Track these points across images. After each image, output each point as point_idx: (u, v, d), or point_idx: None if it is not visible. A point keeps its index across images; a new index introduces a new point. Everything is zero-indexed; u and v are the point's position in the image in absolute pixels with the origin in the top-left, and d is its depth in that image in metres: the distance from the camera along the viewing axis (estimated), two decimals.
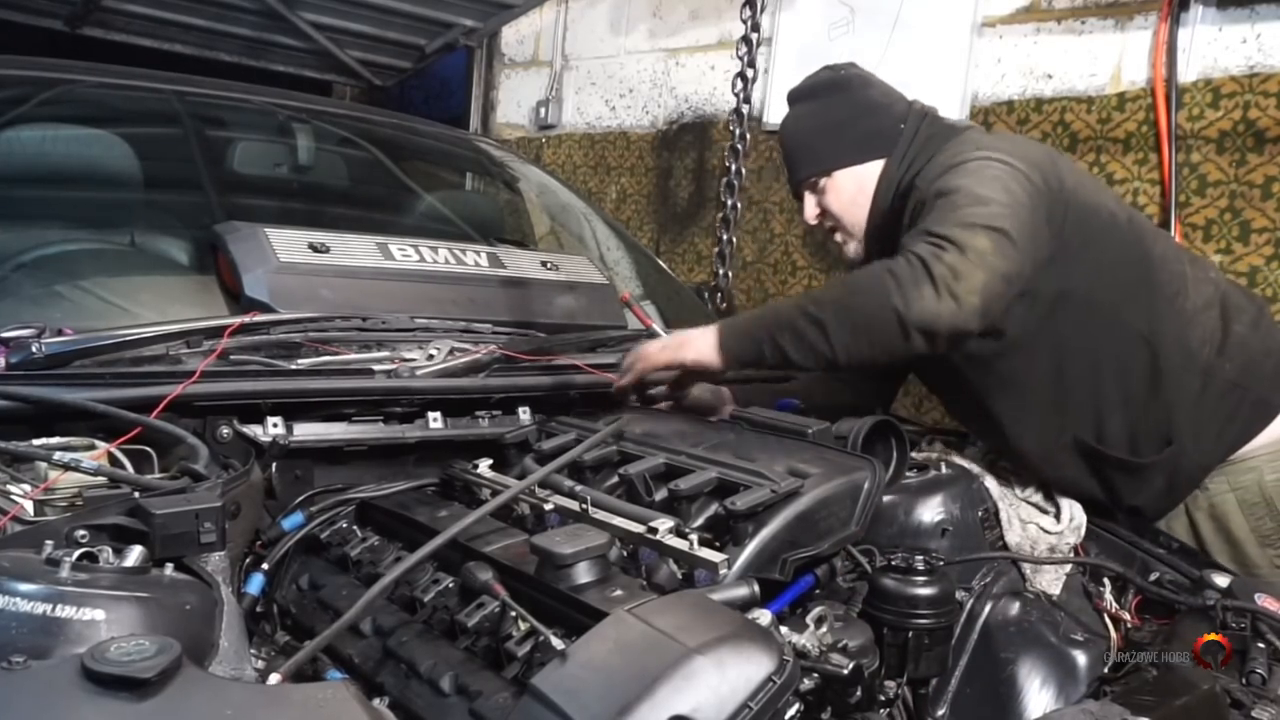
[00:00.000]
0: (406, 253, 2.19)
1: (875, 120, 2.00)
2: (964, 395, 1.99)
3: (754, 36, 1.74)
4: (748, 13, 1.72)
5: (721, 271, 1.73)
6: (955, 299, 1.60)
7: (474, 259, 2.30)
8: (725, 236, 1.73)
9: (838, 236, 2.11)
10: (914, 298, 1.60)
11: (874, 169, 2.00)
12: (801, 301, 1.75)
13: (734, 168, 1.71)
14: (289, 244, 2.03)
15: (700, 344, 1.82)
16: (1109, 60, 3.21)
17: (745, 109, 1.72)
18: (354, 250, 2.12)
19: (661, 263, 3.38)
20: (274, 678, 1.11)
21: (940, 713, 1.52)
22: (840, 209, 2.04)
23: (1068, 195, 1.81)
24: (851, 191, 2.01)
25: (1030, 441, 1.91)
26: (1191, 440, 1.89)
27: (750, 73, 1.72)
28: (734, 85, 1.71)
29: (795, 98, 2.11)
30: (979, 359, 1.87)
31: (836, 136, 2.01)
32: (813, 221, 2.10)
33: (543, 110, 4.98)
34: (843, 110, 2.02)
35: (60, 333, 1.66)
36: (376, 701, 1.25)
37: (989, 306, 1.63)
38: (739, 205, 1.80)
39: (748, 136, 1.78)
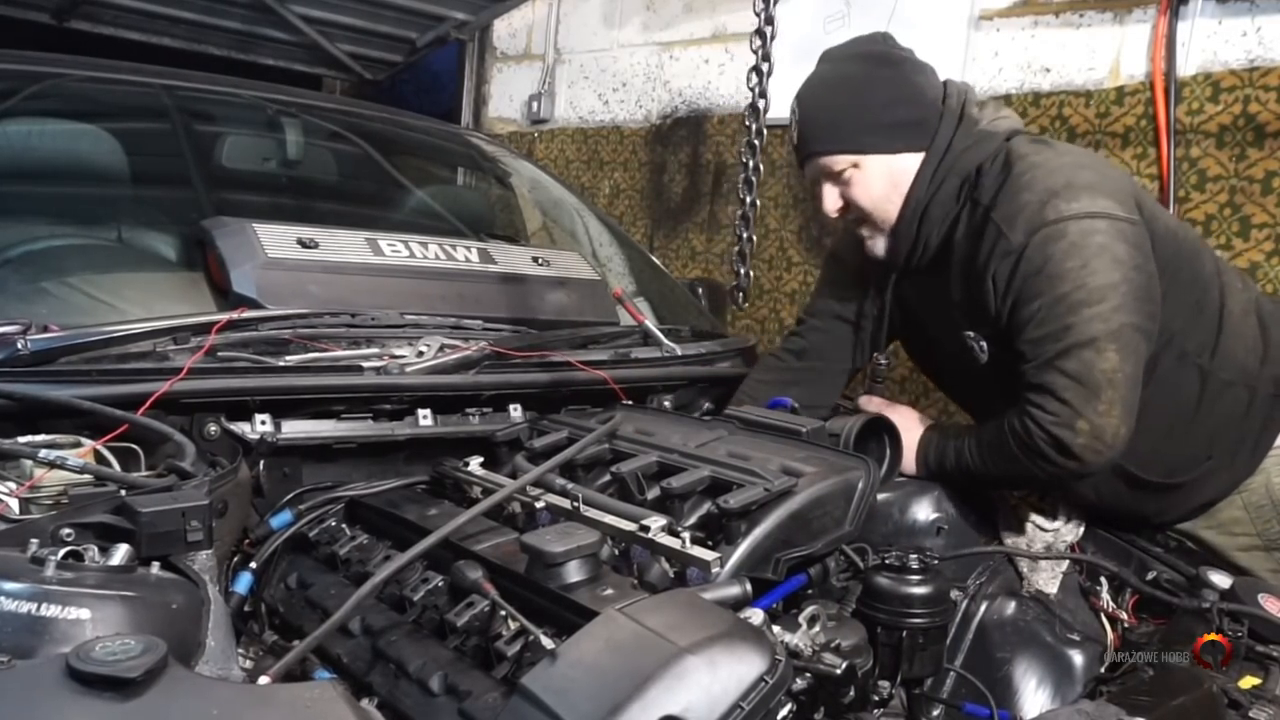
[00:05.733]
0: (396, 248, 2.17)
1: (917, 109, 1.83)
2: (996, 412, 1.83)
3: (768, 30, 1.70)
4: (760, 4, 1.68)
5: (743, 271, 1.68)
6: (1107, 448, 1.65)
7: (464, 255, 2.29)
8: (745, 235, 1.67)
9: (864, 230, 1.94)
10: (1069, 467, 1.67)
11: (910, 162, 1.84)
12: (977, 455, 1.77)
13: (751, 163, 1.66)
14: (277, 239, 2.02)
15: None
16: (1107, 54, 3.20)
17: (761, 104, 1.67)
18: (343, 246, 2.11)
19: (655, 259, 3.37)
20: (263, 680, 1.10)
21: (935, 713, 1.51)
22: (872, 203, 1.87)
23: (1147, 223, 1.74)
24: (884, 185, 1.85)
25: None
26: (1229, 455, 1.86)
27: (765, 66, 1.66)
28: (749, 80, 1.66)
29: (831, 59, 1.90)
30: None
31: (876, 117, 1.82)
32: (833, 214, 1.92)
33: (535, 104, 4.96)
34: (887, 89, 1.83)
35: (46, 329, 1.65)
36: (365, 701, 1.25)
37: (1131, 416, 1.66)
38: (758, 202, 1.73)
39: (765, 132, 1.71)
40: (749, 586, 1.32)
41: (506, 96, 5.21)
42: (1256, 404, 1.84)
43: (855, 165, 1.85)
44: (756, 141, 1.71)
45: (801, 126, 1.84)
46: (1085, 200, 1.67)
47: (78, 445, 1.42)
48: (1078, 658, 1.64)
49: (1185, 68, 3.03)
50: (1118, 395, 1.63)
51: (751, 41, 1.78)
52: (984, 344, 1.79)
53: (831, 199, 1.90)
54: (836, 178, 1.88)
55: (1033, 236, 1.67)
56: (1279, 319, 1.90)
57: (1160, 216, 1.82)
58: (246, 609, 1.60)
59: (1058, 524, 1.84)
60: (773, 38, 1.78)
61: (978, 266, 1.74)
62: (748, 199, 1.71)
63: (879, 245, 1.93)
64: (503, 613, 1.28)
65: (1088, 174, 1.72)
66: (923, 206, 1.84)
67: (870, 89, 1.83)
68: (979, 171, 1.80)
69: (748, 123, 1.71)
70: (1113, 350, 1.62)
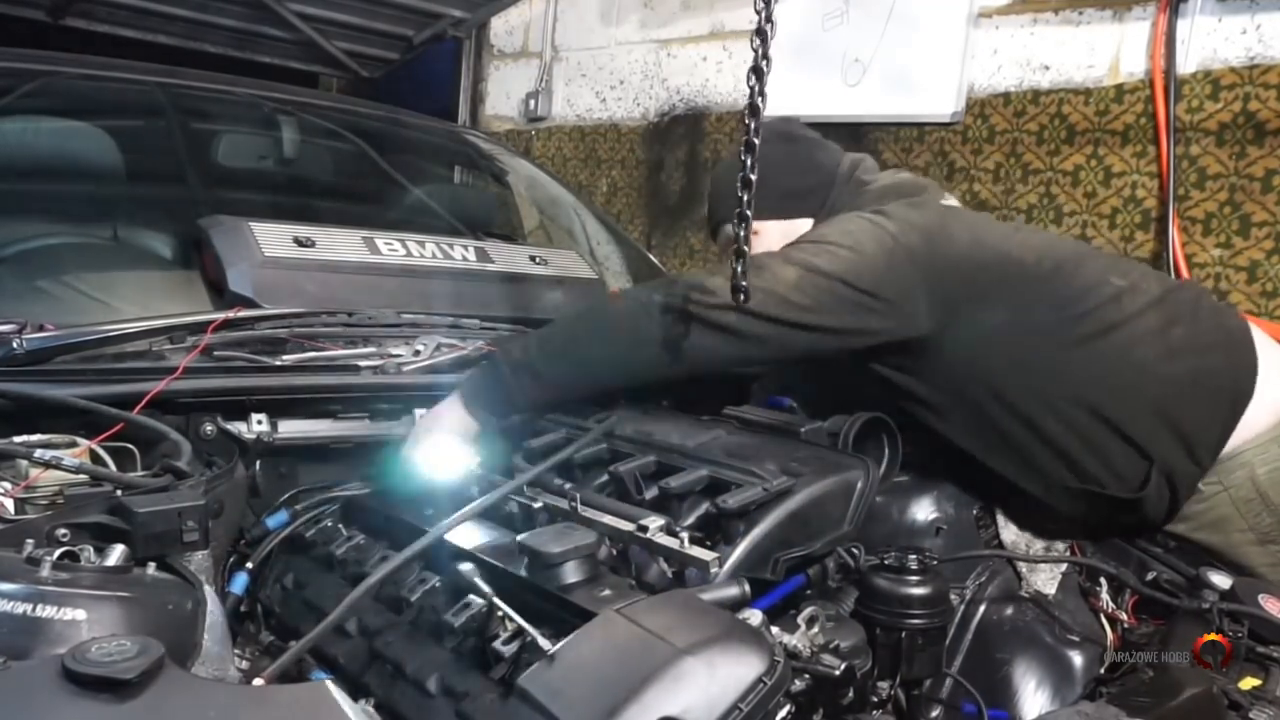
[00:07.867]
0: (393, 247, 2.17)
1: (810, 178, 1.94)
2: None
3: (769, 29, 1.70)
4: (761, 3, 1.68)
5: (739, 269, 1.68)
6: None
7: (461, 253, 2.28)
8: (743, 234, 1.68)
9: None
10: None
11: (804, 227, 1.92)
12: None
13: (749, 162, 1.68)
14: (274, 238, 2.02)
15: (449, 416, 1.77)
16: (1107, 51, 3.20)
17: (760, 102, 1.67)
18: (340, 244, 2.11)
19: (652, 257, 3.37)
20: (259, 680, 1.09)
21: (934, 714, 1.50)
22: None
23: (957, 258, 1.77)
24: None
25: (1030, 486, 1.85)
26: (1169, 452, 1.81)
27: (765, 65, 1.66)
28: (748, 79, 1.67)
29: (739, 142, 2.04)
30: (964, 425, 1.83)
31: (768, 186, 1.91)
32: None
33: (532, 102, 4.96)
34: (782, 161, 1.94)
35: (42, 328, 1.64)
36: (362, 702, 1.24)
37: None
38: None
39: (761, 132, 1.73)
40: (747, 587, 1.32)
41: (504, 94, 5.21)
42: (1177, 398, 1.79)
43: (755, 233, 1.89)
44: (755, 140, 1.72)
45: (709, 201, 1.96)
46: (873, 213, 1.75)
47: (73, 445, 1.41)
48: (1077, 659, 1.63)
49: (1185, 65, 3.04)
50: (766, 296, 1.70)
51: (752, 40, 1.78)
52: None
53: None
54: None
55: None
56: (1183, 310, 1.85)
57: (996, 243, 1.83)
58: (243, 609, 1.60)
59: (1057, 525, 1.84)
60: (772, 36, 1.79)
61: None
62: (745, 197, 1.72)
63: None
64: (500, 613, 1.27)
65: (902, 210, 1.79)
66: None
67: (765, 163, 1.89)
68: None
69: (747, 121, 1.71)
70: (798, 270, 1.70)
